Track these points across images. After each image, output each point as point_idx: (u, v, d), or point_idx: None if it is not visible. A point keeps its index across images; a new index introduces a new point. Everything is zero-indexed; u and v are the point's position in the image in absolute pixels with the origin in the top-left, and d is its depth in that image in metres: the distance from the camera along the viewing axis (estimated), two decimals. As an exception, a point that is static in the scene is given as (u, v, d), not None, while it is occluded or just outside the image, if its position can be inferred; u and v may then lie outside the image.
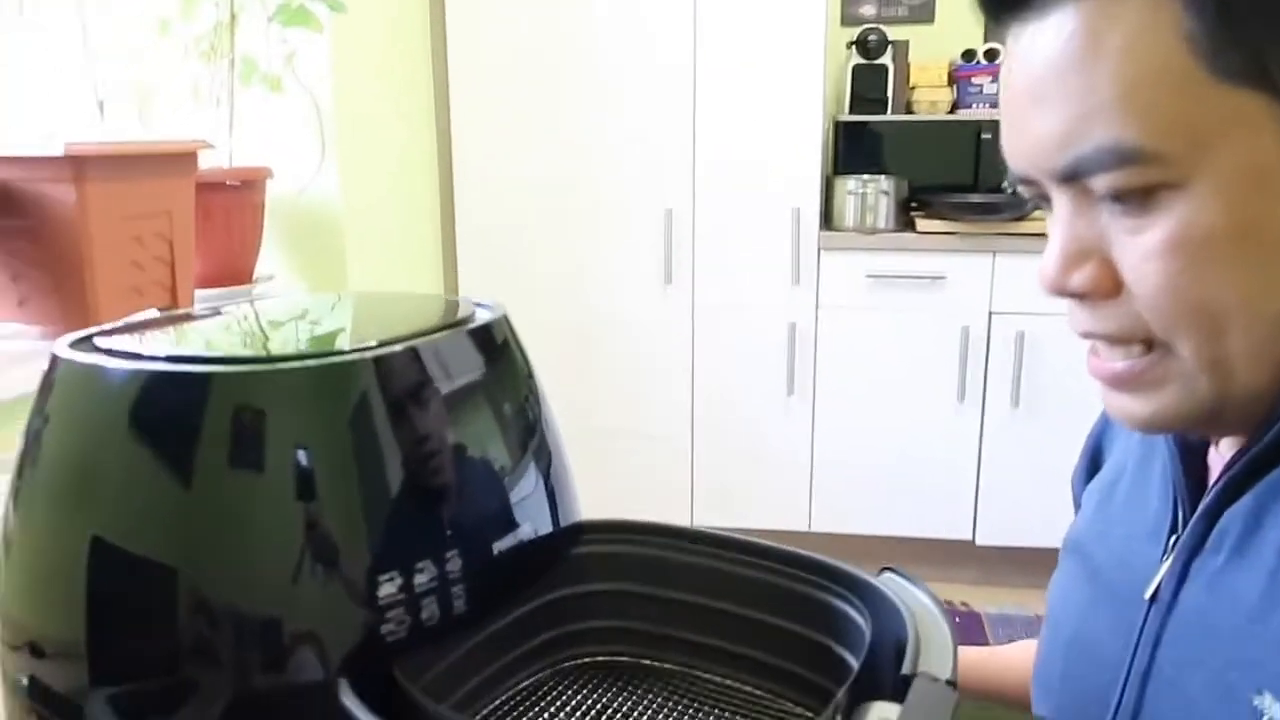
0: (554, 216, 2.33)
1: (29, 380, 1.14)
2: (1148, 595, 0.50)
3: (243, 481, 0.39)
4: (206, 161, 1.53)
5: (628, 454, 2.38)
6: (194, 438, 0.39)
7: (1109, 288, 0.45)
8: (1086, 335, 0.48)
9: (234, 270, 1.61)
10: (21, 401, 1.14)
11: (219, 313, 0.53)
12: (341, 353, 0.41)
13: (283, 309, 0.54)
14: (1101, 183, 0.43)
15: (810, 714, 0.49)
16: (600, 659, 0.53)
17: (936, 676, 0.38)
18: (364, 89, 1.96)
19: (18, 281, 1.24)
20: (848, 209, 2.24)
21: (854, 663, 0.46)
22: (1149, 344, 0.45)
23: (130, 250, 1.28)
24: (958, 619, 2.20)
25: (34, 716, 0.44)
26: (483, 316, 0.48)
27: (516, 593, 0.47)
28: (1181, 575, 0.49)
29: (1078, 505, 0.65)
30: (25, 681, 0.44)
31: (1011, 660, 0.69)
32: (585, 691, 0.51)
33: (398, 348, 0.42)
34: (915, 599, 0.45)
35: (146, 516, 0.40)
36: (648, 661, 0.53)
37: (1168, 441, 0.53)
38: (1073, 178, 0.44)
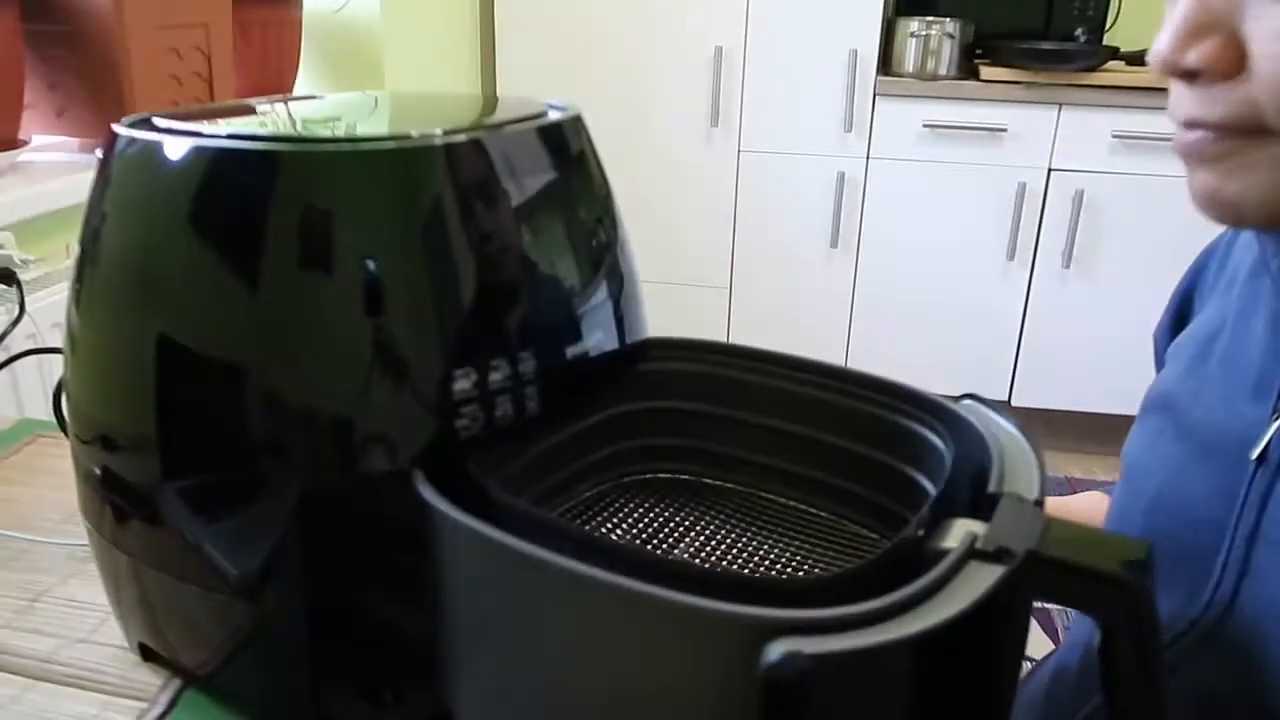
0: (598, 52, 2.23)
1: (70, 192, 1.13)
2: (1254, 455, 0.48)
3: (311, 272, 0.38)
4: (242, -27, 1.46)
5: (663, 299, 2.36)
6: (260, 221, 0.37)
7: (1229, 66, 0.41)
8: (1190, 124, 0.44)
9: (271, 90, 1.56)
10: (62, 213, 1.13)
11: (270, 109, 0.50)
12: (415, 138, 0.38)
13: (343, 103, 0.51)
14: None
15: (876, 536, 0.49)
16: (663, 475, 0.53)
17: (1024, 496, 0.37)
18: (404, -99, 1.85)
19: (55, 90, 1.21)
20: (908, 53, 2.13)
21: (928, 486, 0.45)
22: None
23: (168, 63, 1.24)
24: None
25: (108, 505, 0.44)
26: (555, 115, 0.45)
27: (586, 400, 0.46)
28: None
29: (1160, 361, 0.62)
30: (98, 471, 0.44)
31: (1076, 511, 0.69)
32: (646, 505, 0.51)
33: (475, 135, 0.39)
34: (998, 425, 0.44)
35: (213, 310, 0.39)
36: (711, 480, 0.53)
37: (1278, 290, 0.50)
38: None
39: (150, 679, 0.47)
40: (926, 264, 2.23)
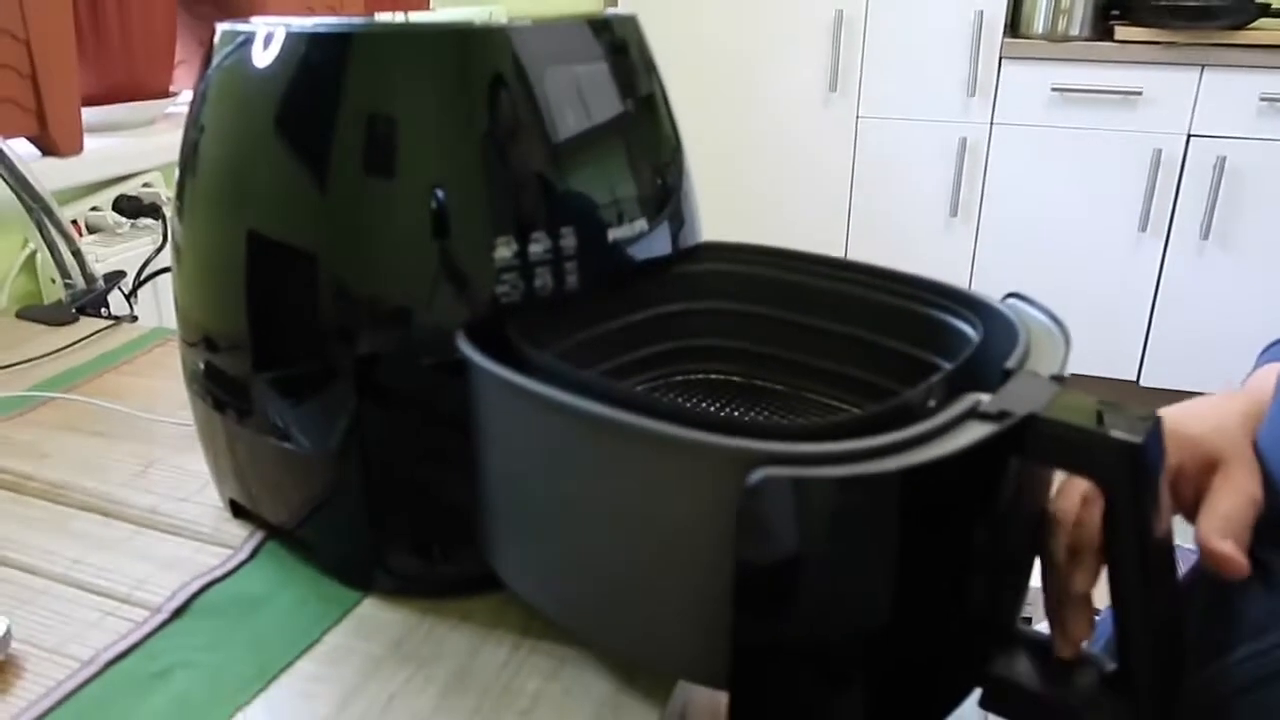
0: (717, 14, 2.23)
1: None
2: None
3: (377, 147, 0.41)
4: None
5: (777, 268, 2.36)
6: (335, 100, 0.41)
7: None
8: None
9: (134, 85, 1.21)
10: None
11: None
12: (475, 24, 0.41)
13: (454, 12, 0.55)
14: None
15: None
16: (713, 376, 0.55)
17: (1040, 373, 0.38)
18: None
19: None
20: (1038, 13, 2.05)
21: (962, 379, 0.45)
22: None
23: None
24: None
25: (209, 396, 0.49)
26: (611, 13, 0.47)
27: (638, 295, 0.48)
28: None
29: None
30: (202, 367, 0.49)
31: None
32: (692, 403, 0.53)
33: (531, 22, 0.42)
34: (1034, 318, 0.44)
35: (290, 202, 0.43)
36: (758, 381, 0.54)
37: None
38: None
39: (239, 531, 0.52)
40: (1051, 235, 2.15)
